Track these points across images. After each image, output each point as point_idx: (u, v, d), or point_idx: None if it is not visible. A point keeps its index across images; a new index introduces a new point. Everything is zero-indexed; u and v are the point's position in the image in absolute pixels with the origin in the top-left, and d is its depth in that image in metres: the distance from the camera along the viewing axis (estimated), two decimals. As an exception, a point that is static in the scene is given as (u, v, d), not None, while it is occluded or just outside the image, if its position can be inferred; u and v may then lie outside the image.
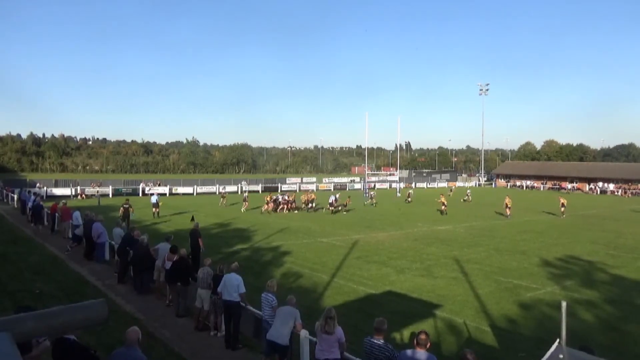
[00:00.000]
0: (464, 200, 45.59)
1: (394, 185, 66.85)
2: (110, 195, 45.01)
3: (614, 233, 25.74)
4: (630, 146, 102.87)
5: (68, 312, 2.14)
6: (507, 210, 32.87)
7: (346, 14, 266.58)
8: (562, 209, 33.49)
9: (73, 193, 45.36)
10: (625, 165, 76.59)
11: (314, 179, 70.85)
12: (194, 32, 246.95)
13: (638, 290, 13.91)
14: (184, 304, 10.91)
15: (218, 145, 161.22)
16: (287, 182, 64.15)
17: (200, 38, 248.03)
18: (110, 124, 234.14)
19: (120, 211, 25.15)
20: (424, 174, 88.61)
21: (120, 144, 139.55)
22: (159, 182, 54.50)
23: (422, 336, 5.63)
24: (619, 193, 63.00)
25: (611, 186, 66.16)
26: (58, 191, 45.41)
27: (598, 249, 20.62)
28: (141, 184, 51.32)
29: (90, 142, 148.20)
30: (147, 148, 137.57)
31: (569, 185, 69.74)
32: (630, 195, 61.23)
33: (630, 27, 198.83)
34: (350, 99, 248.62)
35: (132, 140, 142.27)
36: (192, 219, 24.44)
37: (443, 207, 33.43)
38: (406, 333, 9.82)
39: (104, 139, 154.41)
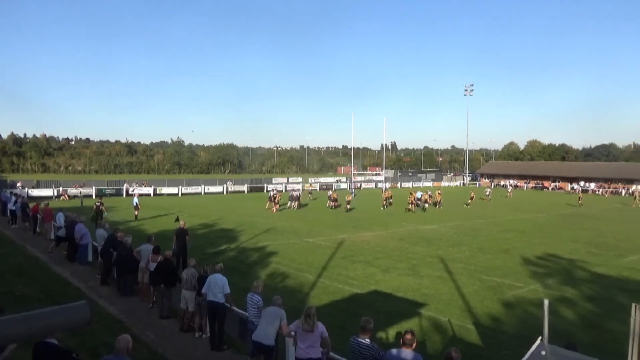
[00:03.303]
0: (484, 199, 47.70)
1: (379, 185, 67.15)
2: (94, 196, 44.28)
3: (594, 232, 26.21)
4: (611, 146, 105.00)
5: (50, 314, 2.12)
6: (470, 200, 41.08)
7: (334, 15, 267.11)
8: (580, 201, 43.51)
9: (55, 194, 44.68)
10: (605, 165, 78.11)
11: (300, 179, 70.80)
12: (179, 31, 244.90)
13: (618, 288, 14.19)
14: (168, 305, 10.82)
15: (203, 145, 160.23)
16: (273, 182, 63.99)
17: (185, 38, 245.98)
18: (93, 123, 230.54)
19: (93, 209, 25.49)
20: (410, 174, 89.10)
21: (104, 144, 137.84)
22: (143, 183, 53.95)
23: (408, 336, 5.66)
24: (600, 192, 64.22)
25: (592, 185, 67.36)
26: (39, 192, 44.64)
27: (579, 247, 20.97)
28: (125, 185, 50.74)
29: (73, 142, 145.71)
30: (131, 148, 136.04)
31: (580, 184, 69.88)
32: (609, 194, 62.47)
33: (612, 28, 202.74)
34: (336, 99, 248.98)
35: (116, 141, 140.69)
36: (177, 220, 24.23)
37: (470, 200, 41.28)
38: (392, 332, 9.87)
39: (87, 139, 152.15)
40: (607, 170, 71.44)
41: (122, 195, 47.41)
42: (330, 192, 40.82)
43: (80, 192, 44.94)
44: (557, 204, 45.33)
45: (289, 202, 37.10)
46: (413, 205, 35.62)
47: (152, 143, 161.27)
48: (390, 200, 39.11)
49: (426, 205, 37.20)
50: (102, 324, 9.84)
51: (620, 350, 4.52)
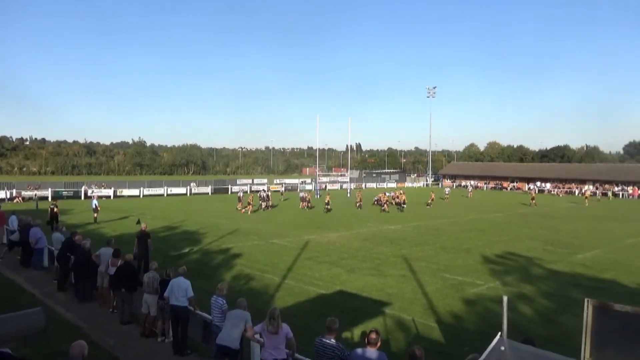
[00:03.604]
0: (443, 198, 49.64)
1: (344, 186, 67.58)
2: (50, 198, 42.64)
3: (550, 230, 27.25)
4: (565, 147, 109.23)
5: (3, 322, 2.03)
6: (430, 200, 42.05)
7: (306, 18, 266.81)
8: (532, 201, 44.71)
9: (8, 196, 42.78)
10: (560, 166, 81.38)
11: (265, 180, 70.43)
12: (137, 28, 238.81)
13: (572, 284, 14.79)
14: (129, 310, 10.55)
15: (166, 146, 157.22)
16: (238, 183, 63.40)
17: (143, 34, 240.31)
18: (49, 123, 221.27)
19: (48, 213, 24.76)
20: (374, 175, 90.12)
21: (61, 144, 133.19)
22: (103, 184, 52.38)
23: (373, 335, 5.72)
24: (555, 192, 66.87)
25: (548, 185, 70.07)
26: (-10, 194, 42.66)
27: (536, 245, 21.75)
28: (83, 186, 49.14)
29: (28, 143, 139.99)
30: (90, 149, 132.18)
31: (536, 184, 73.34)
32: (563, 193, 65.12)
33: (571, 32, 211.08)
34: (301, 100, 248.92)
35: (74, 141, 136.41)
36: (138, 222, 23.68)
37: (430, 200, 42.21)
38: (357, 332, 9.95)
39: (43, 139, 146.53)
40: (561, 171, 74.59)
41: (81, 197, 45.90)
42: (303, 193, 40.62)
43: (36, 195, 43.18)
44: (515, 203, 46.84)
45: (260, 202, 36.94)
46: (387, 205, 36.71)
47: (112, 143, 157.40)
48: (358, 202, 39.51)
49: (404, 205, 37.57)
50: (59, 331, 9.48)
51: (574, 343, 4.70)
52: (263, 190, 44.69)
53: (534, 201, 44.87)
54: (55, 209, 24.86)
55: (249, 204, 34.41)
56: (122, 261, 10.99)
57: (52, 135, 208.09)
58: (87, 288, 12.14)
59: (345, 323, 9.59)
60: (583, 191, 57.51)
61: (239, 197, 37.35)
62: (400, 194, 40.78)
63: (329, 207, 35.55)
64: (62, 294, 12.71)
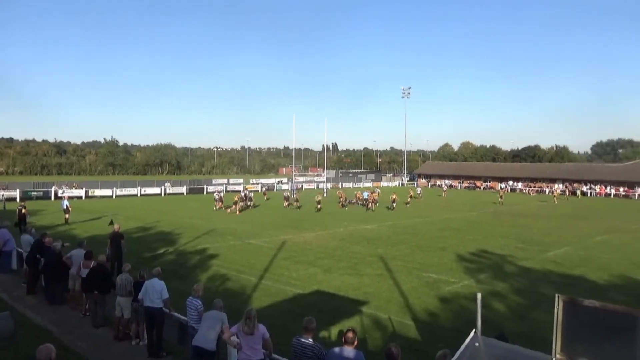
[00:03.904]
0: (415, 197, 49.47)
1: (321, 185, 67.66)
2: (18, 199, 41.46)
3: (522, 228, 27.87)
4: (536, 148, 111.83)
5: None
6: (409, 199, 43.28)
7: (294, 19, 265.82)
8: (500, 199, 46.37)
9: (-27, 197, 41.38)
10: (531, 165, 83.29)
11: (241, 180, 69.95)
12: (112, 24, 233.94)
13: (543, 280, 15.15)
14: (102, 313, 10.33)
15: (139, 145, 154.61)
16: (214, 183, 62.79)
17: (118, 30, 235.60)
18: (17, 121, 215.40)
19: (16, 214, 24.25)
20: (350, 174, 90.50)
21: (29, 143, 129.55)
22: (74, 185, 51.12)
23: (350, 334, 5.74)
24: (526, 191, 68.45)
25: (520, 184, 71.62)
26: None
27: (509, 243, 22.21)
28: (53, 187, 47.88)
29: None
30: (60, 148, 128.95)
31: (508, 184, 75.15)
32: (534, 192, 66.72)
33: (542, 34, 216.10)
34: (277, 100, 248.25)
35: (43, 140, 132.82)
36: (111, 223, 23.19)
37: (409, 198, 43.38)
38: (334, 331, 9.98)
39: (10, 139, 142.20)
40: (532, 170, 76.37)
41: (51, 198, 44.74)
42: (287, 193, 40.56)
43: (3, 195, 41.85)
44: (487, 202, 47.71)
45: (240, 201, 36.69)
46: (374, 204, 37.07)
47: (83, 143, 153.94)
48: (341, 200, 39.68)
49: (394, 204, 37.96)
50: (28, 335, 9.20)
51: (546, 338, 4.83)
52: (245, 190, 44.56)
53: (501, 199, 46.41)
54: (23, 210, 24.20)
55: (235, 203, 34.07)
56: (94, 263, 10.76)
57: (20, 134, 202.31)
58: (58, 291, 11.84)
59: (322, 322, 9.61)
60: (553, 190, 58.98)
61: (220, 198, 36.81)
62: (372, 192, 41.22)
63: (319, 206, 35.55)
64: (32, 298, 12.36)
